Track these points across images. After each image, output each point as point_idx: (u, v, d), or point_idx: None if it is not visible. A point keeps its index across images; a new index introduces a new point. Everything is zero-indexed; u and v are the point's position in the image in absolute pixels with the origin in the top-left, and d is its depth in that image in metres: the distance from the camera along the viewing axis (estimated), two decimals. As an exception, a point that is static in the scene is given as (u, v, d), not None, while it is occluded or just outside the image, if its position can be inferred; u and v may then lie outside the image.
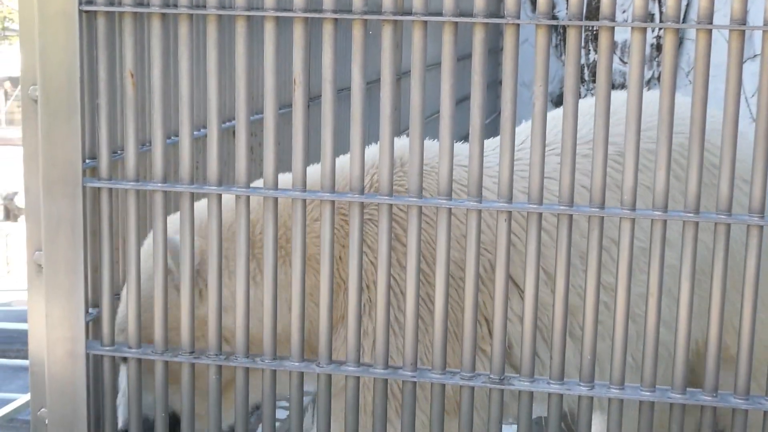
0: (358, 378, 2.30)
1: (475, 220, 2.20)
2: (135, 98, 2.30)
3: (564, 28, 6.53)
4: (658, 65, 8.66)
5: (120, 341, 2.40)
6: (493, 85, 7.89)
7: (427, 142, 2.60)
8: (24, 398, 4.52)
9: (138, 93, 2.33)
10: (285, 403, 3.79)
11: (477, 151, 2.18)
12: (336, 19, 2.17)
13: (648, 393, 2.21)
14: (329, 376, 2.31)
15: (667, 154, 2.15)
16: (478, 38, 2.13)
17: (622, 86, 8.21)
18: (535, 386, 2.23)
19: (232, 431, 3.22)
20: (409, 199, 2.21)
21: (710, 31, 2.08)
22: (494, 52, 7.49)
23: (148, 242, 2.56)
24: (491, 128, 4.16)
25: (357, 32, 2.18)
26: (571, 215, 2.18)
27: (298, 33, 2.20)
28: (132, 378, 2.41)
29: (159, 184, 2.30)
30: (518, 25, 2.13)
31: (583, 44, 8.93)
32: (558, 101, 8.72)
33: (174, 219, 2.47)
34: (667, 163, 2.15)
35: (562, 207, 2.17)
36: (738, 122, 2.14)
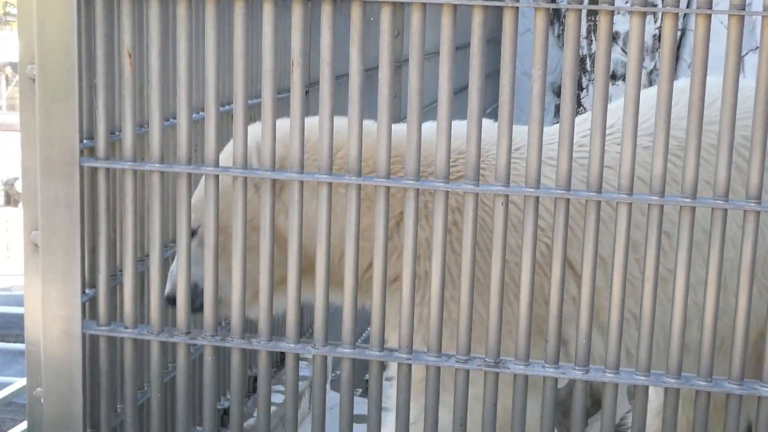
0: (355, 360, 2.30)
1: (472, 203, 2.20)
2: (133, 79, 2.30)
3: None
4: (660, 57, 8.64)
5: (195, 220, 2.45)
6: (495, 74, 7.87)
7: (522, 128, 2.52)
8: (22, 382, 4.52)
9: (136, 74, 2.33)
10: (282, 387, 3.80)
11: (475, 134, 2.18)
12: (335, 1, 2.17)
13: (643, 377, 2.21)
14: (324, 358, 2.32)
15: (665, 141, 2.15)
16: (477, 21, 2.13)
17: (624, 77, 8.21)
18: (530, 369, 2.24)
19: (226, 412, 3.23)
20: (407, 182, 2.21)
21: (709, 16, 2.08)
22: (496, 42, 7.49)
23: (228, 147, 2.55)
24: (491, 117, 4.14)
25: (356, 15, 2.18)
26: (568, 199, 2.18)
27: (297, 14, 2.20)
28: (128, 359, 2.41)
29: (156, 165, 2.30)
30: (517, 8, 2.13)
31: (585, 35, 8.91)
32: (559, 91, 8.71)
33: (254, 128, 2.45)
34: (665, 150, 2.15)
35: (559, 191, 2.17)
36: (736, 109, 2.14)
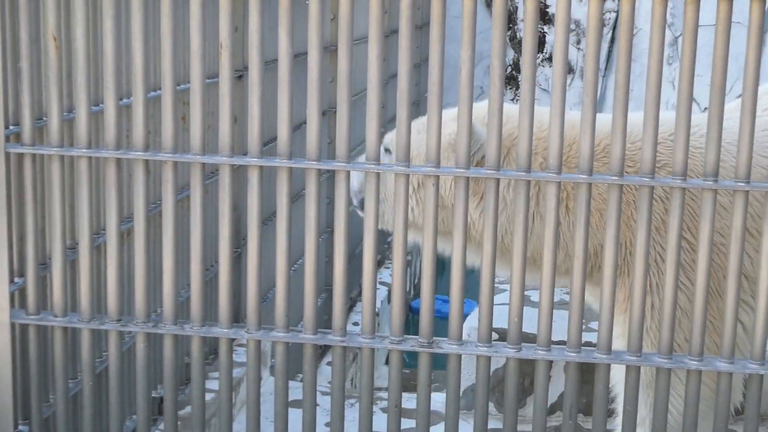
0: (287, 344, 2.30)
1: (403, 185, 2.21)
2: (58, 62, 2.26)
3: None
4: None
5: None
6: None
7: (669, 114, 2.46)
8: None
9: (62, 57, 2.28)
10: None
11: (404, 115, 2.18)
12: (262, -17, 2.16)
13: (574, 354, 2.24)
14: (258, 343, 2.31)
15: (592, 122, 2.17)
16: (406, 2, 2.13)
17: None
18: (463, 349, 2.25)
19: (162, 399, 3.20)
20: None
21: (633, -4, 2.11)
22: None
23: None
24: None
25: (284, -2, 2.17)
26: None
27: (224, -4, 2.18)
28: (58, 348, 2.37)
29: (84, 150, 2.27)
30: (445, -11, 2.13)
31: (522, 17, 8.97)
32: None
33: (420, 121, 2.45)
34: (592, 130, 2.18)
35: (489, 171, 2.19)
36: (660, 92, 2.16)
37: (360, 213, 2.49)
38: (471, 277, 2.44)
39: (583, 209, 2.19)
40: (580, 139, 2.17)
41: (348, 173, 2.21)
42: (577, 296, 2.24)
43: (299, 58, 2.85)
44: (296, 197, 3.97)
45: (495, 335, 2.44)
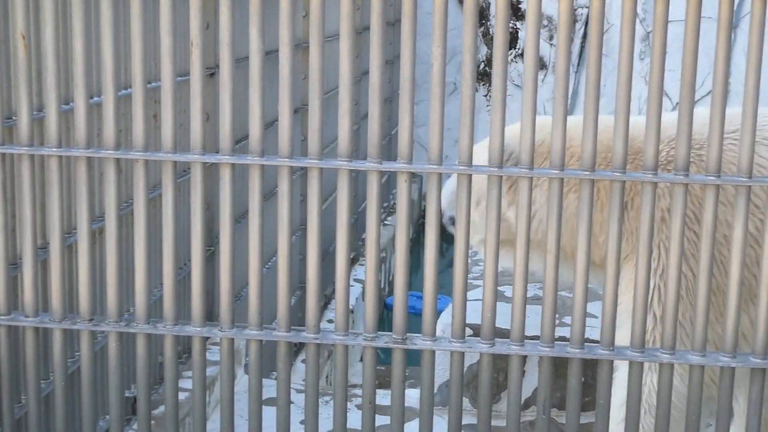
0: (261, 341, 2.30)
1: (375, 180, 2.21)
2: (27, 61, 2.24)
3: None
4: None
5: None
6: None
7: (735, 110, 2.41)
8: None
9: (31, 56, 2.26)
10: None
11: (377, 112, 2.18)
12: (233, -20, 2.15)
13: (547, 349, 2.25)
14: (231, 341, 2.30)
15: (564, 116, 2.18)
16: (377, -1, 2.13)
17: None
18: (437, 345, 2.26)
19: (135, 399, 3.18)
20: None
21: (603, -7, 2.12)
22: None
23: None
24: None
25: (255, -6, 2.16)
26: (470, 175, 2.20)
27: (194, -7, 2.17)
28: (30, 349, 2.35)
29: (54, 149, 2.25)
30: (416, -16, 2.13)
31: (494, 13, 9.00)
32: (480, 75, 8.73)
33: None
34: (563, 124, 2.19)
35: (462, 167, 2.19)
36: (630, 87, 2.17)
37: (450, 229, 2.50)
38: (444, 273, 2.45)
39: (555, 204, 2.20)
40: (552, 134, 2.18)
41: (321, 170, 2.20)
42: (550, 291, 2.25)
43: (271, 55, 2.84)
44: (269, 195, 3.97)
45: (469, 331, 2.47)
